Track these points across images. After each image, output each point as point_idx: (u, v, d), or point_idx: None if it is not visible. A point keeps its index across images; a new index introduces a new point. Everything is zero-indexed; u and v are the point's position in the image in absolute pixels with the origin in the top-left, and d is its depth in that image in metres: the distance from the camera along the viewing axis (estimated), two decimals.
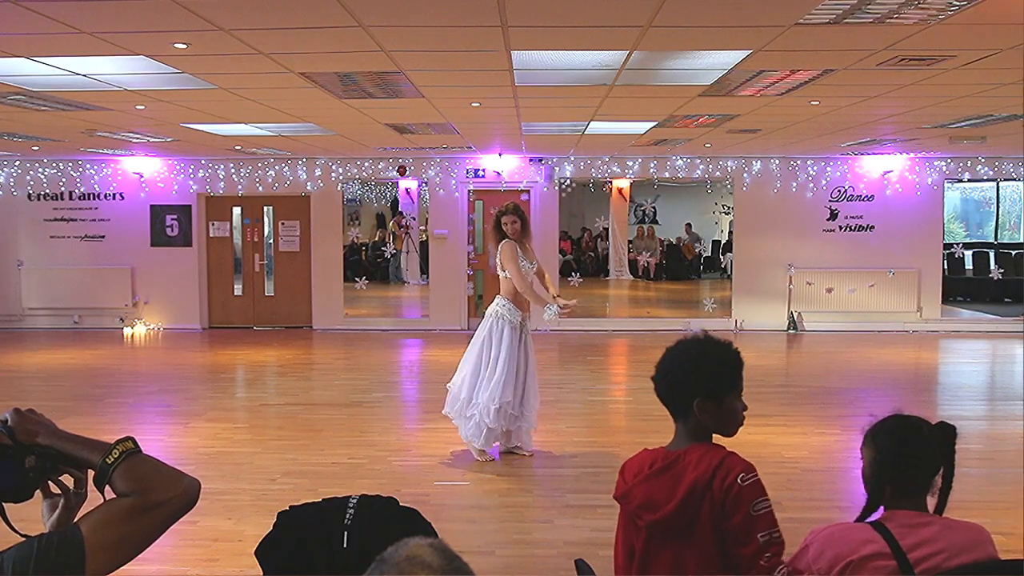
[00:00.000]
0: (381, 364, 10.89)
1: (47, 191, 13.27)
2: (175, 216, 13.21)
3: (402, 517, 2.16)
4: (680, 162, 12.98)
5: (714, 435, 2.31)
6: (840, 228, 12.94)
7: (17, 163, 13.19)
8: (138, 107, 7.32)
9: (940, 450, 2.21)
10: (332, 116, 8.06)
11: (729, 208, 15.07)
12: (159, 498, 1.43)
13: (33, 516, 1.55)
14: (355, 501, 2.14)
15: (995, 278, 13.80)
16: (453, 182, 13.08)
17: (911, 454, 2.18)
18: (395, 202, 21.31)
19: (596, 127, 8.98)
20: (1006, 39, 4.75)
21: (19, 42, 4.87)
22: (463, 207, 13.16)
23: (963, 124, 8.62)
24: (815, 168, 12.89)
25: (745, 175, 12.98)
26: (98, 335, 12.70)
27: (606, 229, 20.15)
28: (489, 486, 5.85)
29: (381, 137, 9.98)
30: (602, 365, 10.92)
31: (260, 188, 13.17)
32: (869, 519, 2.20)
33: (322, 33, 4.60)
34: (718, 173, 13.10)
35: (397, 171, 13.13)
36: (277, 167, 13.11)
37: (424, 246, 17.08)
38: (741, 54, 5.19)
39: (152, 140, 10.18)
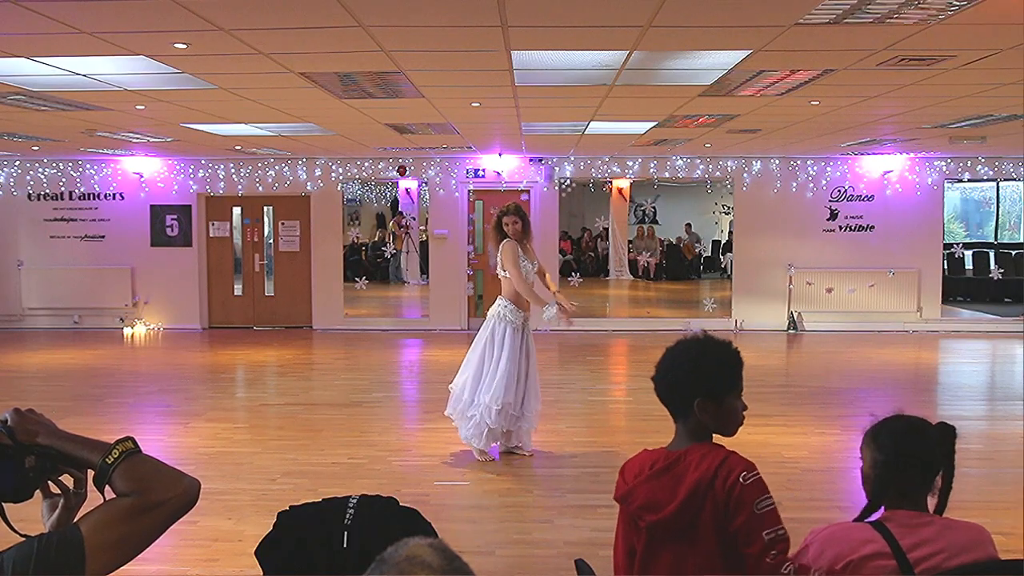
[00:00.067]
0: (381, 364, 10.89)
1: (47, 191, 13.27)
2: (175, 216, 13.21)
3: (402, 517, 2.16)
4: (680, 162, 12.98)
5: (714, 435, 2.31)
6: (840, 228, 12.94)
7: (17, 163, 13.19)
8: (138, 107, 7.32)
9: (940, 450, 2.22)
10: (332, 116, 8.06)
11: (729, 208, 15.09)
12: (159, 498, 1.43)
13: (33, 516, 1.55)
14: (355, 501, 2.14)
15: (995, 278, 13.80)
16: (453, 182, 13.08)
17: (915, 455, 2.18)
18: (395, 202, 21.32)
19: (596, 127, 8.98)
20: (1006, 39, 4.75)
21: (19, 42, 4.87)
22: (463, 207, 13.16)
23: (963, 124, 8.62)
24: (815, 168, 12.89)
25: (745, 175, 12.98)
26: (98, 335, 12.70)
27: (606, 229, 20.15)
28: (489, 486, 5.85)
29: (381, 137, 9.98)
30: (602, 365, 10.92)
31: (260, 188, 13.17)
32: (869, 519, 2.20)
33: (322, 33, 4.60)
34: (718, 173, 13.10)
35: (397, 171, 13.14)
36: (277, 167, 13.11)
37: (424, 246, 17.08)
38: (741, 54, 5.19)
39: (152, 140, 10.18)
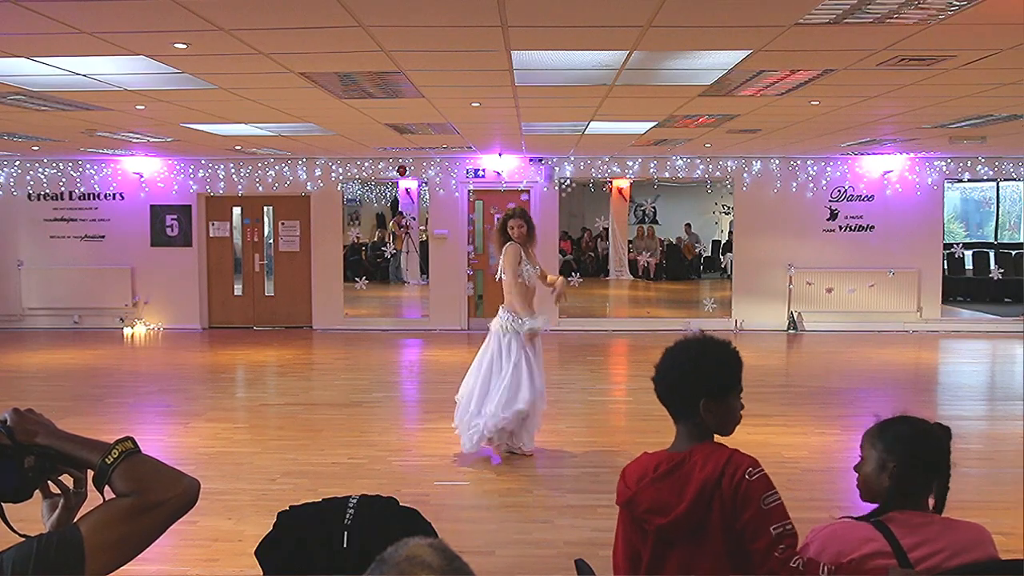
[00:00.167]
0: (381, 364, 10.89)
1: (47, 191, 13.27)
2: (175, 216, 13.21)
3: (402, 517, 2.16)
4: (680, 162, 12.98)
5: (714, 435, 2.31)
6: (840, 228, 12.94)
7: (17, 163, 13.19)
8: (138, 107, 7.32)
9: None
10: (332, 116, 8.06)
11: (729, 208, 15.08)
12: (158, 498, 1.43)
13: (33, 516, 1.55)
14: (355, 501, 2.14)
15: (995, 278, 13.80)
16: (453, 182, 13.08)
17: (925, 458, 2.18)
18: (395, 202, 21.32)
19: (596, 127, 8.98)
20: (1006, 39, 4.75)
21: (19, 42, 4.87)
22: (463, 207, 13.15)
23: (963, 124, 8.62)
24: (815, 168, 12.89)
25: (745, 175, 12.98)
26: (98, 335, 12.70)
27: (606, 229, 20.15)
28: (489, 486, 5.85)
29: (381, 137, 9.98)
30: (602, 365, 10.92)
31: (260, 188, 13.17)
32: (869, 517, 2.20)
33: (322, 33, 4.60)
34: (718, 173, 13.10)
35: (397, 171, 13.13)
36: (277, 167, 13.11)
37: (424, 246, 17.08)
38: (741, 54, 5.19)
39: (152, 140, 10.18)
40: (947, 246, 14.03)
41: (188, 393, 8.90)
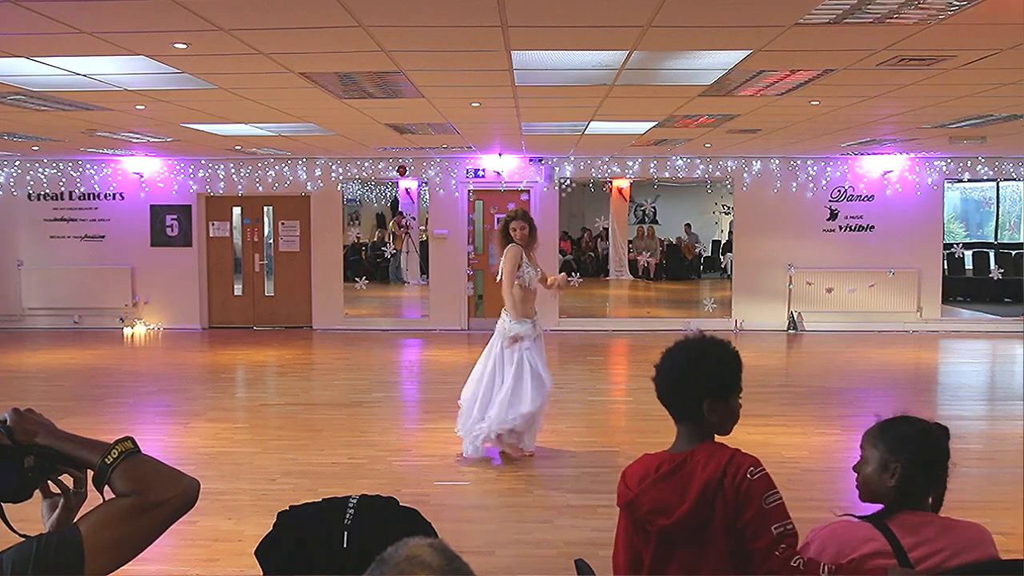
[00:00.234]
0: (381, 364, 10.89)
1: (47, 191, 13.27)
2: (175, 216, 13.21)
3: (402, 517, 2.16)
4: (680, 162, 12.98)
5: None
6: (840, 228, 12.94)
7: (17, 163, 13.19)
8: (138, 107, 7.32)
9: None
10: (332, 116, 8.06)
11: (729, 208, 15.08)
12: (158, 498, 1.43)
13: (33, 516, 1.55)
14: (355, 501, 2.14)
15: (995, 278, 13.80)
16: (453, 182, 13.08)
17: (934, 460, 2.18)
18: (395, 202, 21.32)
19: (596, 127, 8.98)
20: (1006, 39, 4.75)
21: (19, 42, 4.87)
22: (463, 207, 13.15)
23: (963, 124, 8.62)
24: (815, 168, 12.89)
25: (745, 175, 12.98)
26: (98, 335, 12.70)
27: (606, 229, 20.16)
28: (489, 486, 5.85)
29: (381, 137, 9.98)
30: (602, 365, 10.92)
31: (260, 188, 13.17)
32: (868, 516, 2.20)
33: (322, 33, 4.60)
34: (718, 173, 13.10)
35: (397, 171, 13.13)
36: (277, 167, 13.11)
37: (424, 246, 17.08)
38: (741, 54, 5.19)
39: (152, 140, 10.18)
40: (947, 246, 14.03)
41: (188, 393, 8.90)
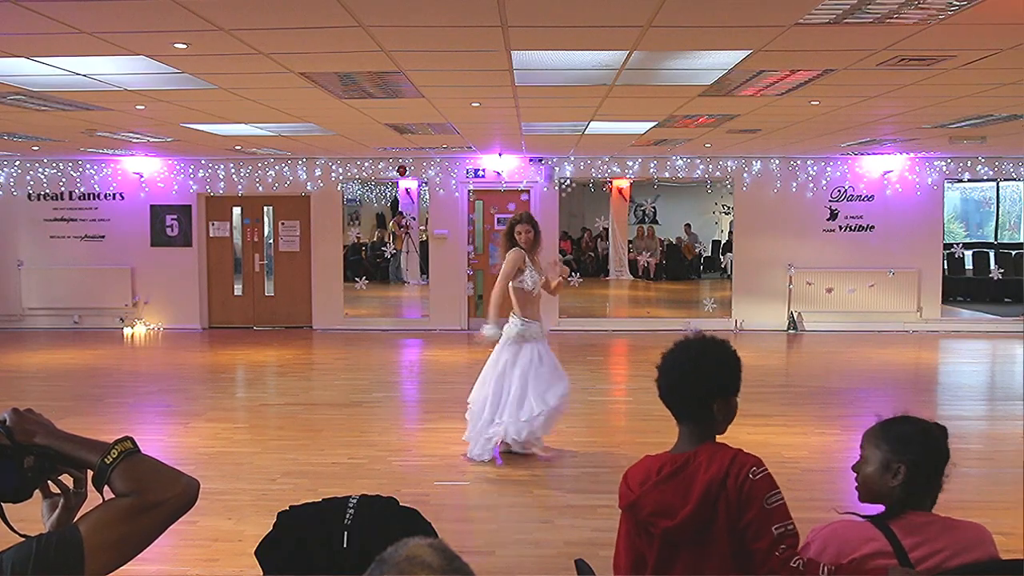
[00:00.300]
0: (381, 364, 10.89)
1: (47, 191, 13.27)
2: (175, 216, 13.21)
3: (402, 517, 2.16)
4: (680, 162, 12.98)
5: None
6: (840, 228, 12.94)
7: (17, 163, 13.19)
8: (138, 107, 7.32)
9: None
10: (332, 116, 8.06)
11: (729, 208, 15.08)
12: (158, 498, 1.43)
13: (33, 516, 1.55)
14: (355, 501, 2.14)
15: (995, 278, 13.80)
16: (453, 182, 13.08)
17: (937, 460, 2.18)
18: (395, 202, 21.32)
19: (596, 127, 8.98)
20: (1006, 39, 4.75)
21: (19, 42, 4.87)
22: (463, 207, 13.15)
23: (963, 124, 8.62)
24: (815, 168, 12.89)
25: (745, 175, 12.98)
26: (98, 335, 12.70)
27: (606, 229, 20.16)
28: (489, 486, 5.85)
29: (381, 137, 9.97)
30: (602, 365, 10.91)
31: (260, 188, 13.17)
32: (871, 516, 2.20)
33: (322, 33, 4.60)
34: (718, 173, 13.10)
35: (397, 171, 13.13)
36: (277, 167, 13.11)
37: (424, 246, 17.08)
38: (741, 54, 5.19)
39: (152, 140, 10.18)
40: (947, 246, 14.03)
41: (188, 393, 8.90)
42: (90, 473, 1.46)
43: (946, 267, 14.26)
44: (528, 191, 13.09)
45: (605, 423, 7.70)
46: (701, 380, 2.26)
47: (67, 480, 1.52)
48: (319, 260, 13.29)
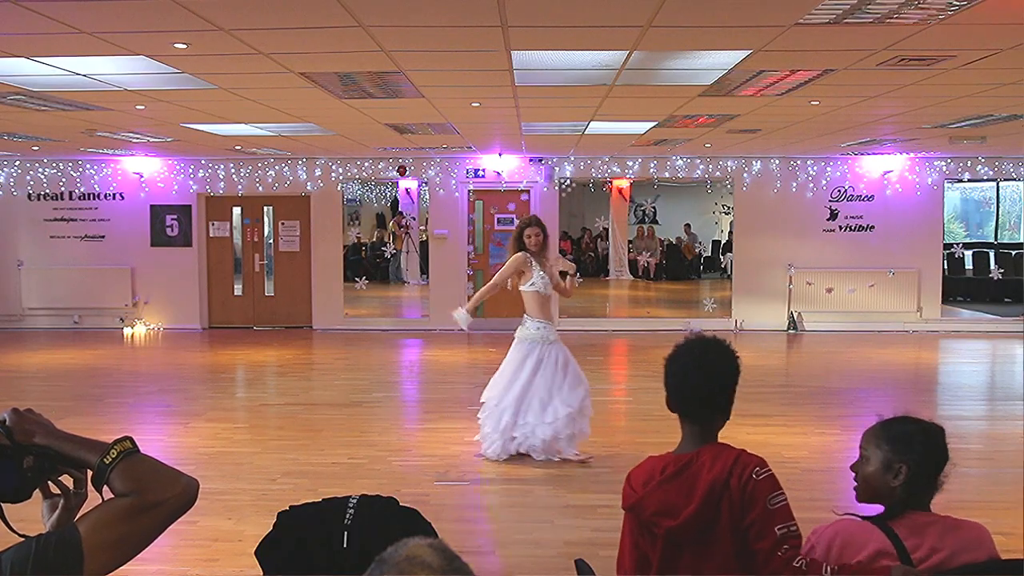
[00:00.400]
0: (381, 364, 10.89)
1: (47, 191, 13.27)
2: (175, 216, 13.21)
3: (402, 517, 2.16)
4: (680, 162, 12.98)
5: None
6: (840, 228, 12.94)
7: (17, 163, 13.19)
8: (138, 107, 7.32)
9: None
10: (332, 116, 8.06)
11: (729, 208, 15.08)
12: (157, 498, 1.43)
13: (33, 516, 1.54)
14: (355, 501, 2.15)
15: (995, 278, 13.80)
16: (453, 182, 13.08)
17: (939, 460, 2.18)
18: (395, 202, 21.32)
19: (596, 127, 8.98)
20: (1006, 39, 4.75)
21: (19, 42, 4.87)
22: (463, 207, 13.15)
23: (963, 124, 8.62)
24: (815, 168, 12.89)
25: (745, 175, 12.98)
26: (98, 335, 12.70)
27: (606, 229, 20.16)
28: (489, 486, 5.85)
29: (381, 137, 9.97)
30: (602, 365, 10.91)
31: (260, 188, 13.17)
32: (871, 517, 2.20)
33: (322, 33, 4.60)
34: (718, 173, 13.10)
35: (397, 171, 13.13)
36: (277, 167, 13.11)
37: (424, 246, 17.08)
38: (741, 54, 5.19)
39: (152, 140, 10.18)
40: (947, 246, 14.03)
41: (188, 393, 8.90)
42: (90, 473, 1.46)
43: (946, 267, 14.26)
44: (528, 191, 13.09)
45: (605, 423, 7.68)
46: (712, 378, 2.27)
47: (67, 480, 1.52)
48: (319, 260, 13.29)
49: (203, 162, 13.15)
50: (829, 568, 2.08)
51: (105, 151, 11.81)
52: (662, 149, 11.63)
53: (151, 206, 13.23)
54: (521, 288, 6.27)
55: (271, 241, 13.48)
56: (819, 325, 12.93)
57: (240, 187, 13.15)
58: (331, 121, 8.51)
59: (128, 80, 6.05)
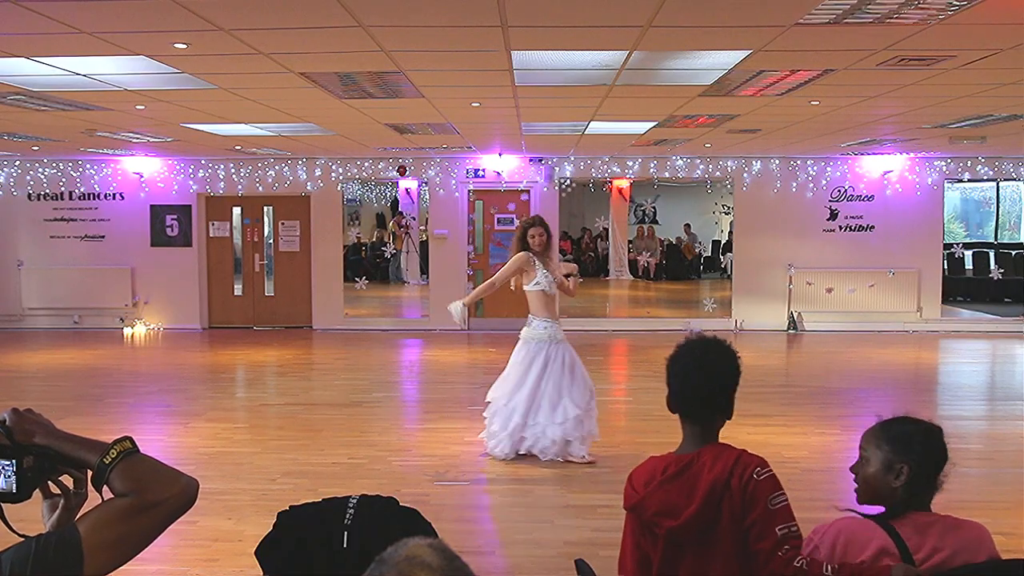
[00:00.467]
0: (381, 364, 10.89)
1: (47, 191, 13.27)
2: (175, 216, 13.21)
3: (402, 517, 2.16)
4: (680, 162, 12.98)
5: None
6: (840, 228, 12.94)
7: (17, 163, 13.19)
8: (138, 107, 7.32)
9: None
10: (332, 116, 8.06)
11: (729, 208, 15.08)
12: (156, 498, 1.43)
13: (33, 516, 1.55)
14: (355, 501, 2.15)
15: (995, 278, 13.81)
16: (453, 182, 13.08)
17: (940, 459, 2.18)
18: (395, 202, 21.32)
19: (596, 127, 8.98)
20: (1006, 39, 4.75)
21: (19, 42, 4.87)
22: (463, 207, 13.15)
23: (963, 124, 8.62)
24: (815, 168, 12.89)
25: (745, 175, 12.97)
26: (98, 335, 12.70)
27: (606, 229, 20.16)
28: (489, 486, 5.85)
29: (381, 137, 9.97)
30: (602, 365, 10.90)
31: (260, 188, 13.17)
32: (874, 515, 2.20)
33: (322, 33, 4.60)
34: (718, 173, 13.10)
35: (397, 171, 13.13)
36: (277, 167, 13.11)
37: (424, 246, 17.08)
38: (741, 54, 5.19)
39: (152, 140, 10.18)
40: (947, 246, 14.03)
41: (188, 393, 8.90)
42: (89, 473, 1.46)
43: (946, 267, 14.26)
44: (528, 191, 13.09)
45: (605, 423, 7.67)
46: (715, 377, 2.27)
47: (67, 480, 1.52)
48: (319, 260, 13.29)
49: (203, 162, 13.15)
50: (830, 568, 2.08)
51: (105, 151, 11.81)
52: (662, 149, 11.63)
53: (151, 206, 13.23)
54: (525, 288, 6.27)
55: (271, 241, 13.48)
56: (819, 325, 12.92)
57: (240, 187, 13.15)
58: (331, 121, 8.51)
59: (128, 80, 6.05)
